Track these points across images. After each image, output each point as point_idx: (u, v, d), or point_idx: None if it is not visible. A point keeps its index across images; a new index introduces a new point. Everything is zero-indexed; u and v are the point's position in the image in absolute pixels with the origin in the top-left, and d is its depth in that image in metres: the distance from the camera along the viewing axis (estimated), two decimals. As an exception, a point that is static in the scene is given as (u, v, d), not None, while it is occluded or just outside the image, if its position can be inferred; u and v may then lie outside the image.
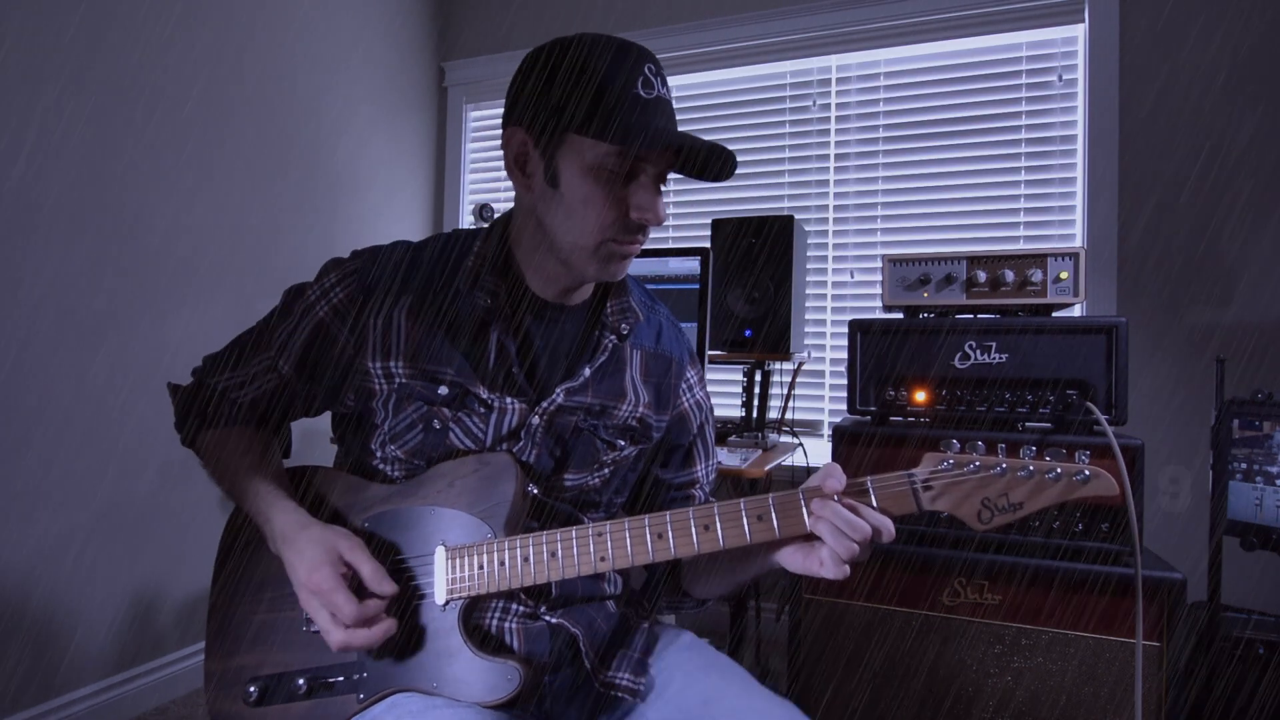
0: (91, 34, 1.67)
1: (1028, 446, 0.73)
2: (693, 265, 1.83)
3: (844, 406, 1.52)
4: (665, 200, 0.81)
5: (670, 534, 0.76)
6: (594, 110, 0.74)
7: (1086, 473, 0.70)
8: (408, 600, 0.80)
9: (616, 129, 0.73)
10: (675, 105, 0.81)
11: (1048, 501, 0.71)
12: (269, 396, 0.91)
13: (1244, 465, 1.37)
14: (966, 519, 0.73)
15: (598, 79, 0.74)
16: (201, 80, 1.92)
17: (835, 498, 0.73)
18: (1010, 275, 1.42)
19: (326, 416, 0.97)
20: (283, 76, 2.17)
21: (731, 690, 0.84)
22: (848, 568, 0.72)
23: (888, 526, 0.72)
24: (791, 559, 0.77)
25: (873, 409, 1.48)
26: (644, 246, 0.86)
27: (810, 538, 0.75)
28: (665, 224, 2.45)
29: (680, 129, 0.79)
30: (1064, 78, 2.09)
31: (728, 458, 1.67)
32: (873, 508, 0.73)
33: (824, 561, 0.73)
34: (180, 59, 1.87)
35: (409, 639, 0.79)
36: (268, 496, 0.83)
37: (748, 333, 1.91)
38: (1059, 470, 0.70)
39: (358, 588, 0.77)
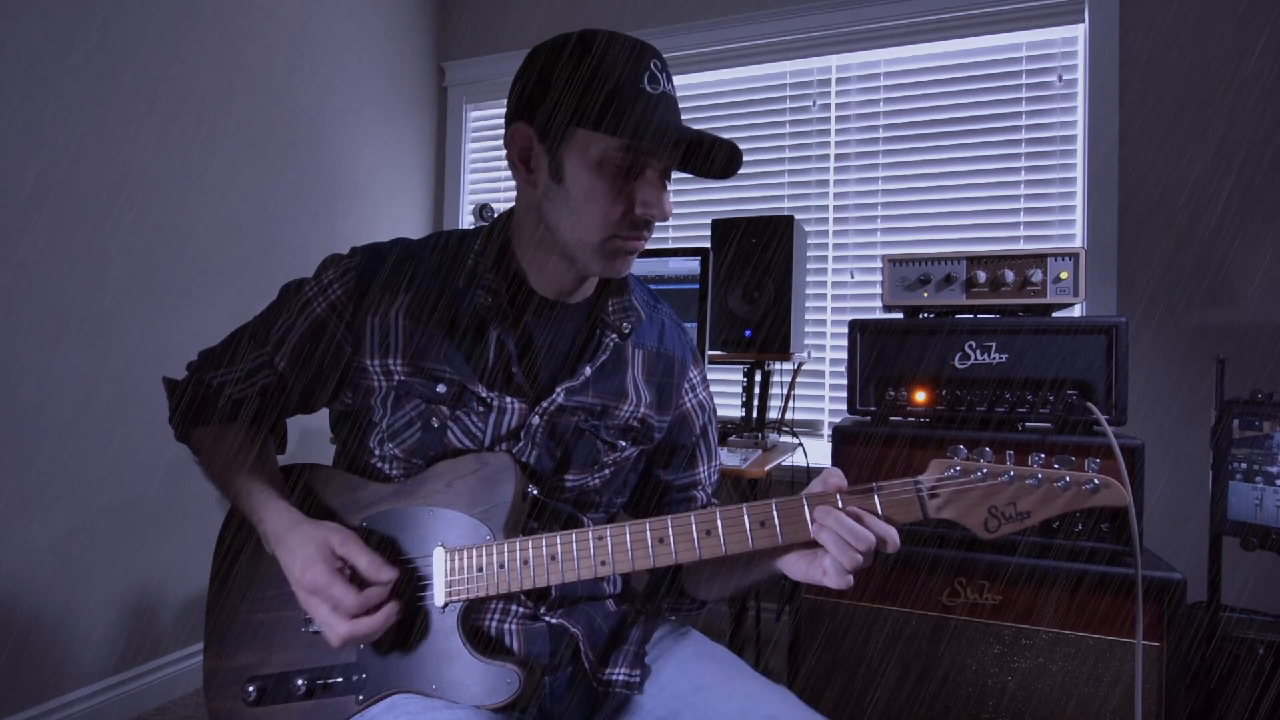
0: (92, 33, 1.67)
1: (1036, 453, 0.72)
2: (693, 265, 1.83)
3: (844, 406, 1.52)
4: (669, 197, 0.81)
5: (671, 538, 0.75)
6: (601, 105, 0.73)
7: (1096, 482, 0.69)
8: (406, 601, 0.80)
9: (624, 123, 0.73)
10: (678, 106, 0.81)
11: (1056, 511, 0.70)
12: (264, 393, 0.90)
13: (1244, 465, 1.37)
14: (973, 527, 0.71)
15: (604, 74, 0.74)
16: (201, 79, 1.92)
17: (838, 500, 0.73)
18: (1010, 275, 1.42)
19: (325, 415, 0.97)
20: (283, 76, 2.17)
21: (724, 675, 0.84)
22: (851, 577, 0.72)
23: (893, 536, 0.71)
24: (794, 567, 0.77)
25: (873, 409, 1.48)
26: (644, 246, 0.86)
27: (813, 544, 0.74)
28: (666, 222, 2.44)
29: None
30: (1064, 78, 2.08)
31: (728, 457, 1.67)
32: (878, 515, 0.72)
33: (827, 571, 0.73)
34: (180, 58, 1.87)
35: (408, 640, 0.79)
36: (260, 496, 0.83)
37: (748, 333, 1.91)
38: (1068, 479, 0.69)
39: (355, 581, 0.76)
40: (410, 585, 0.80)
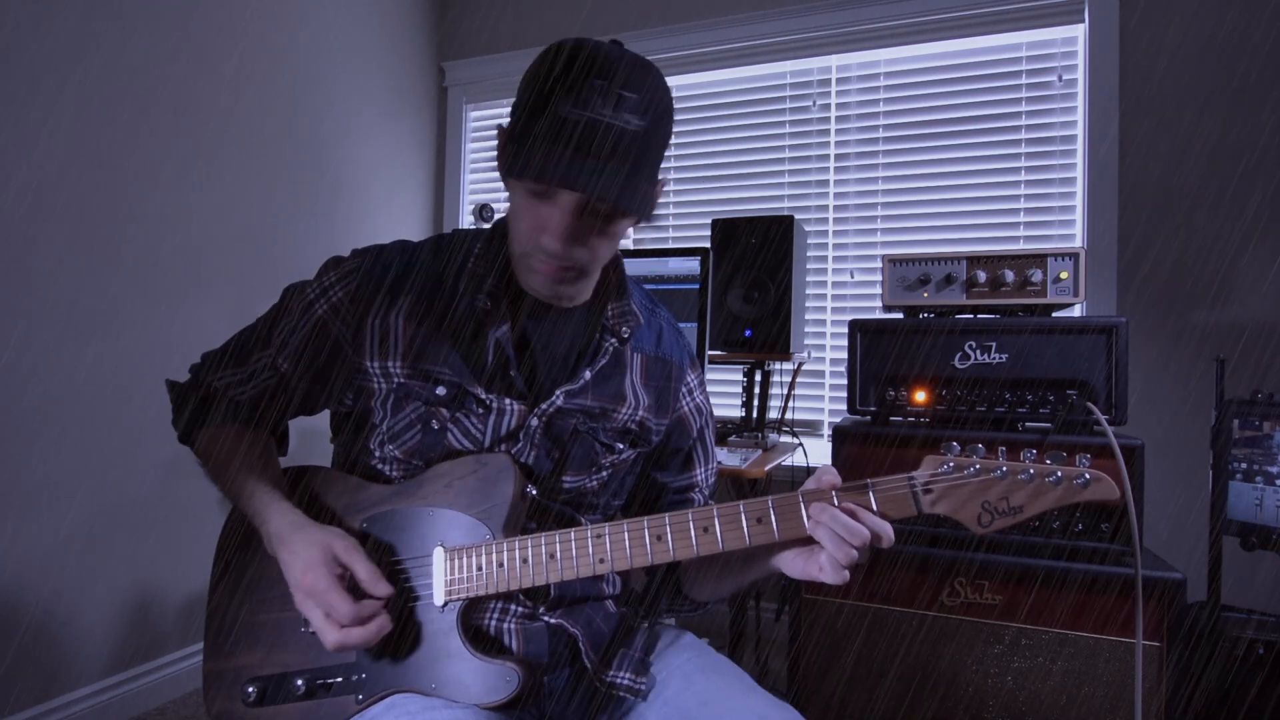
0: (92, 34, 1.67)
1: (1028, 449, 0.73)
2: (693, 265, 1.83)
3: (844, 406, 1.52)
4: (595, 234, 0.76)
5: (669, 536, 0.76)
6: (517, 127, 0.74)
7: (1087, 476, 0.69)
8: (406, 601, 0.80)
9: (515, 152, 0.72)
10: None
11: (1048, 505, 0.70)
12: (267, 395, 0.91)
13: (1244, 465, 1.36)
14: (966, 522, 0.72)
15: (535, 93, 0.72)
16: (202, 80, 1.92)
17: (833, 496, 0.73)
18: (1010, 275, 1.42)
19: (326, 416, 0.97)
20: (284, 76, 2.17)
21: (731, 691, 0.84)
22: (847, 573, 0.72)
23: (887, 532, 0.72)
24: (792, 564, 0.77)
25: (873, 409, 1.48)
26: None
27: (809, 541, 0.75)
28: (665, 224, 2.45)
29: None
30: (1064, 78, 2.08)
31: (728, 458, 1.67)
32: (873, 511, 0.73)
33: (823, 567, 0.73)
34: (180, 58, 1.87)
35: (407, 640, 0.79)
36: (264, 497, 0.83)
37: (748, 333, 1.91)
38: (1059, 474, 0.70)
39: (353, 588, 0.76)
40: (410, 585, 0.81)
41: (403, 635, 0.79)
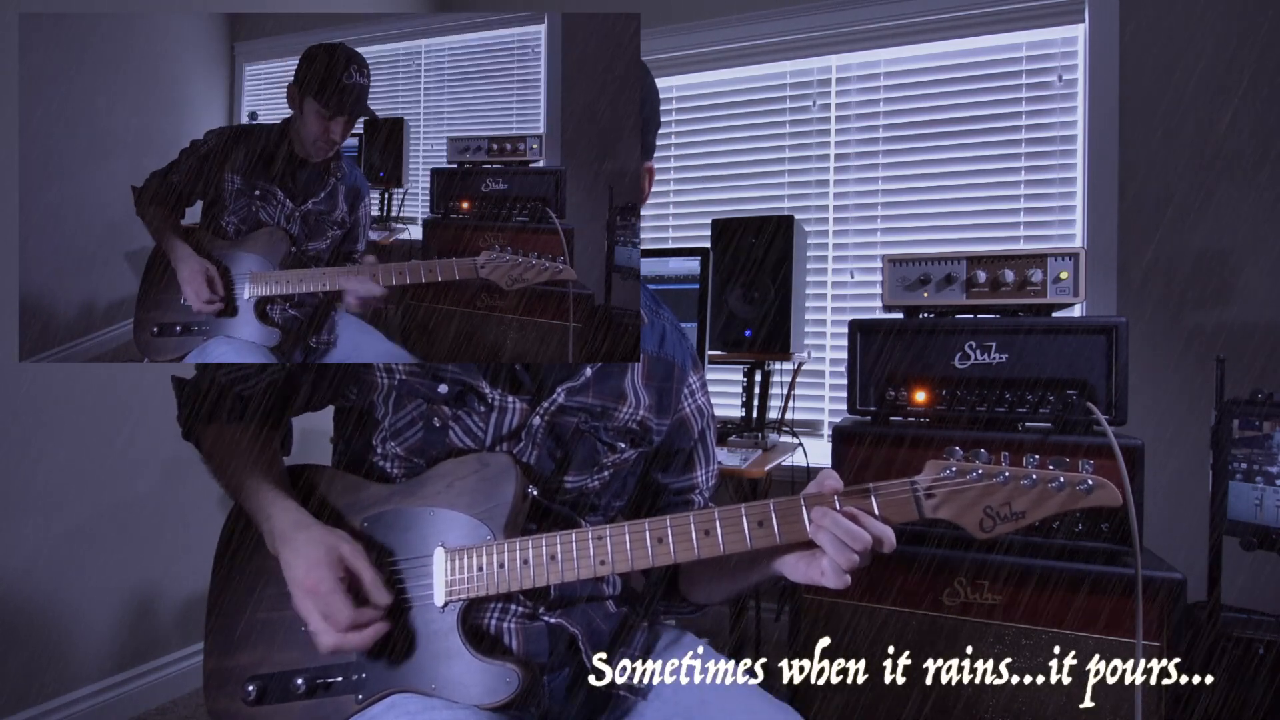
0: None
1: (1030, 454, 0.72)
2: (693, 265, 1.83)
3: (844, 406, 1.52)
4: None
5: (670, 538, 0.76)
6: None
7: (1090, 482, 0.69)
8: (406, 601, 0.80)
9: None
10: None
11: (1051, 511, 0.70)
12: (273, 390, 0.90)
13: (1244, 465, 1.37)
14: (968, 527, 0.72)
15: None
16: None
17: (835, 501, 0.73)
18: (1010, 275, 1.42)
19: (326, 416, 0.97)
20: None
21: (730, 691, 0.84)
22: (848, 577, 0.72)
23: (889, 536, 0.72)
24: (794, 568, 0.77)
25: (873, 409, 1.48)
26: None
27: (810, 545, 0.75)
28: (665, 224, 2.45)
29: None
30: (1064, 78, 2.09)
31: (727, 458, 1.67)
32: (874, 515, 0.73)
33: (825, 571, 0.73)
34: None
35: (408, 640, 0.79)
36: (268, 495, 0.83)
37: (748, 333, 1.91)
38: (1062, 479, 0.70)
39: (354, 593, 0.76)
40: (410, 585, 0.81)
41: (403, 635, 0.79)
